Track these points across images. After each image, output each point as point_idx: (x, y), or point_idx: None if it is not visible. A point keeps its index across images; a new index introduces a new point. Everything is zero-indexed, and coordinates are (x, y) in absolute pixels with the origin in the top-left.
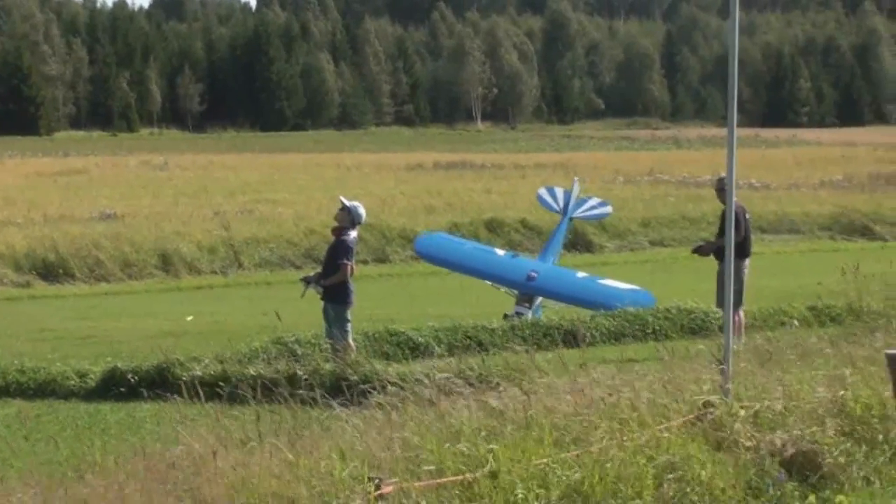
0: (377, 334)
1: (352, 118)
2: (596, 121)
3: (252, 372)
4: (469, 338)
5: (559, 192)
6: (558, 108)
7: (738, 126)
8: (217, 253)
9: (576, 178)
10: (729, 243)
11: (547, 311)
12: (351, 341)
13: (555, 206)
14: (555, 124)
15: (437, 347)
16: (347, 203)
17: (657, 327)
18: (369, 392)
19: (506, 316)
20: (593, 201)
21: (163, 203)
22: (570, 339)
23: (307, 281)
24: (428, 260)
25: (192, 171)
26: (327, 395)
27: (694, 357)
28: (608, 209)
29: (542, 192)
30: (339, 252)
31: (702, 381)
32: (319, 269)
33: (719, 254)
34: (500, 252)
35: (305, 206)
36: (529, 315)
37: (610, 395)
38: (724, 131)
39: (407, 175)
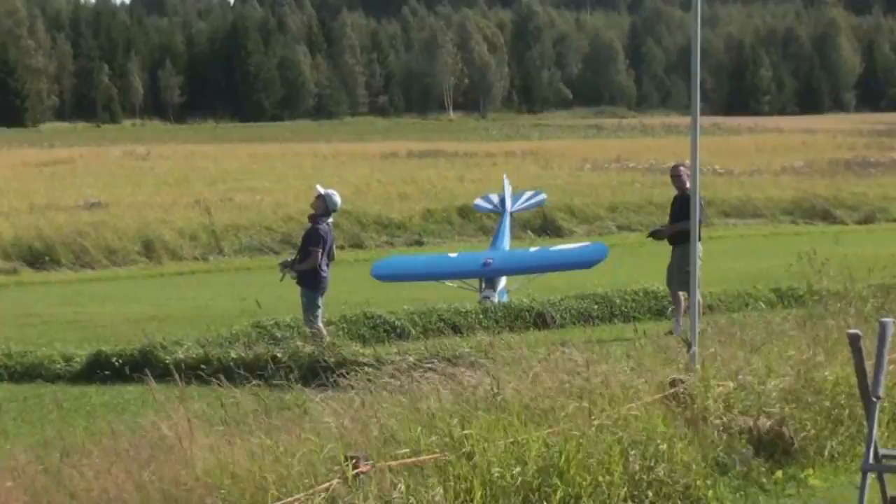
0: (354, 317)
1: (328, 109)
2: (564, 110)
3: (233, 355)
4: (443, 320)
5: (493, 196)
6: (527, 98)
7: (701, 114)
8: (198, 239)
9: (505, 175)
10: (694, 226)
11: (518, 293)
12: (321, 326)
13: (492, 207)
14: (524, 114)
15: (412, 330)
16: (322, 191)
17: (624, 309)
18: (345, 374)
19: (485, 299)
20: (527, 194)
21: (145, 192)
22: (540, 321)
23: (284, 265)
24: (388, 279)
25: (173, 161)
26: (305, 378)
27: (661, 337)
28: (543, 197)
29: (478, 201)
30: (310, 239)
31: (670, 362)
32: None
33: (674, 238)
34: (452, 254)
35: (283, 193)
36: (495, 298)
37: (579, 373)
38: (687, 119)
39: (382, 163)
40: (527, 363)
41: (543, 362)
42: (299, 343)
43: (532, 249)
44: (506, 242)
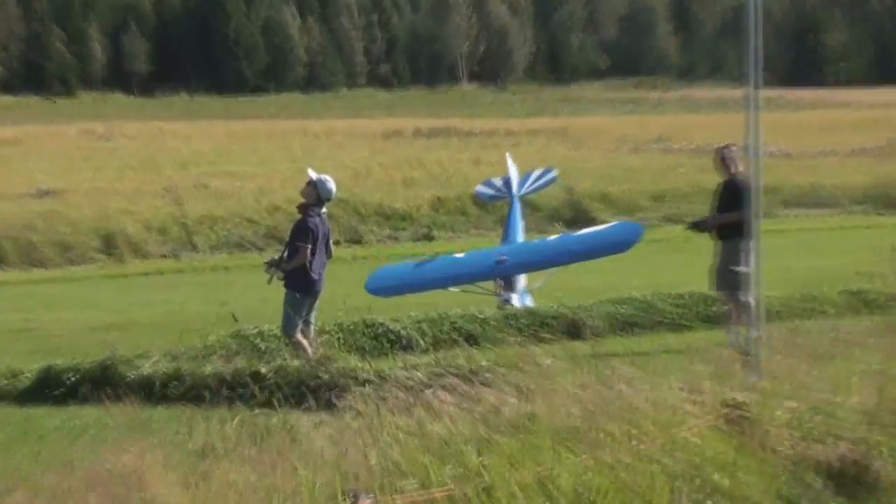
0: (352, 326)
1: (321, 80)
2: (597, 81)
3: (209, 370)
4: (457, 329)
5: (496, 179)
6: (555, 66)
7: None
8: (168, 234)
9: (508, 155)
10: (754, 217)
11: (544, 296)
12: (300, 338)
13: (497, 193)
14: (551, 85)
15: (420, 341)
16: (314, 176)
17: (670, 315)
18: (342, 393)
19: (505, 303)
20: (535, 173)
21: (106, 177)
22: (573, 329)
23: (271, 265)
24: (387, 294)
25: (138, 141)
26: (294, 398)
27: (715, 349)
28: (553, 174)
29: (479, 188)
30: (298, 233)
31: (725, 378)
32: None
33: (722, 231)
34: (459, 254)
35: (268, 179)
36: (515, 300)
37: (619, 392)
38: (741, 92)
39: (384, 144)
40: (557, 379)
41: (577, 378)
42: (287, 356)
43: (551, 238)
44: (519, 233)
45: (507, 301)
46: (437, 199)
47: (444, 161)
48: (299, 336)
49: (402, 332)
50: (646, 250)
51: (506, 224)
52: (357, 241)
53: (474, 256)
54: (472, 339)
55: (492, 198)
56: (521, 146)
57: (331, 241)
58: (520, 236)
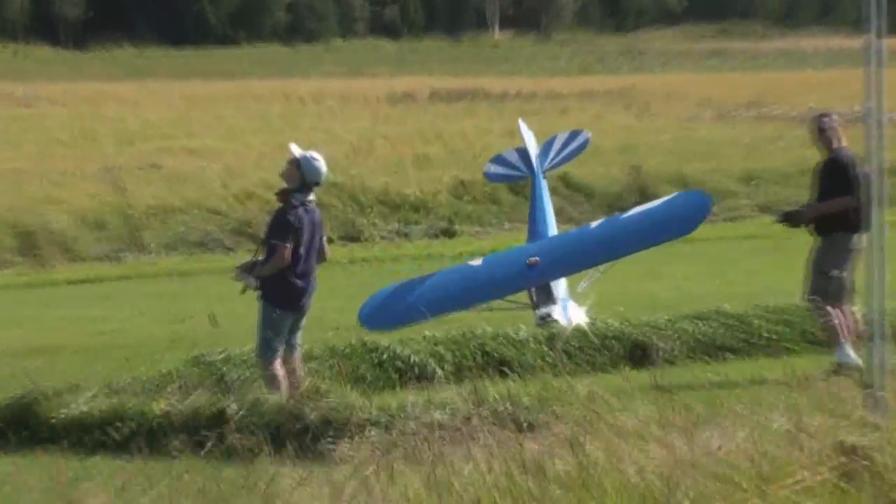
0: (349, 350)
1: (307, 27)
2: (670, 28)
3: (160, 408)
4: (486, 354)
5: (510, 154)
6: (614, 9)
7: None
8: (107, 229)
9: (521, 122)
10: (877, 204)
11: (600, 309)
12: (277, 364)
13: (514, 171)
14: (609, 33)
15: (439, 369)
16: (298, 153)
17: (768, 335)
18: (337, 439)
19: (542, 320)
20: (560, 138)
21: (25, 155)
22: (639, 353)
23: (244, 270)
24: (388, 327)
25: (69, 108)
26: (274, 444)
27: (826, 379)
28: (585, 135)
29: (489, 167)
30: (275, 228)
31: (840, 416)
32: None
33: (820, 225)
34: (474, 262)
35: (239, 157)
36: (558, 313)
37: (707, 438)
38: (859, 42)
39: (391, 111)
40: (621, 421)
41: (647, 420)
42: (263, 390)
43: (592, 225)
44: (550, 222)
45: (548, 316)
46: (461, 182)
47: (469, 133)
48: (277, 365)
49: (415, 357)
50: (736, 249)
51: (530, 212)
52: (355, 237)
53: (495, 262)
54: (505, 367)
55: (507, 178)
56: (569, 113)
57: (324, 239)
58: (551, 227)
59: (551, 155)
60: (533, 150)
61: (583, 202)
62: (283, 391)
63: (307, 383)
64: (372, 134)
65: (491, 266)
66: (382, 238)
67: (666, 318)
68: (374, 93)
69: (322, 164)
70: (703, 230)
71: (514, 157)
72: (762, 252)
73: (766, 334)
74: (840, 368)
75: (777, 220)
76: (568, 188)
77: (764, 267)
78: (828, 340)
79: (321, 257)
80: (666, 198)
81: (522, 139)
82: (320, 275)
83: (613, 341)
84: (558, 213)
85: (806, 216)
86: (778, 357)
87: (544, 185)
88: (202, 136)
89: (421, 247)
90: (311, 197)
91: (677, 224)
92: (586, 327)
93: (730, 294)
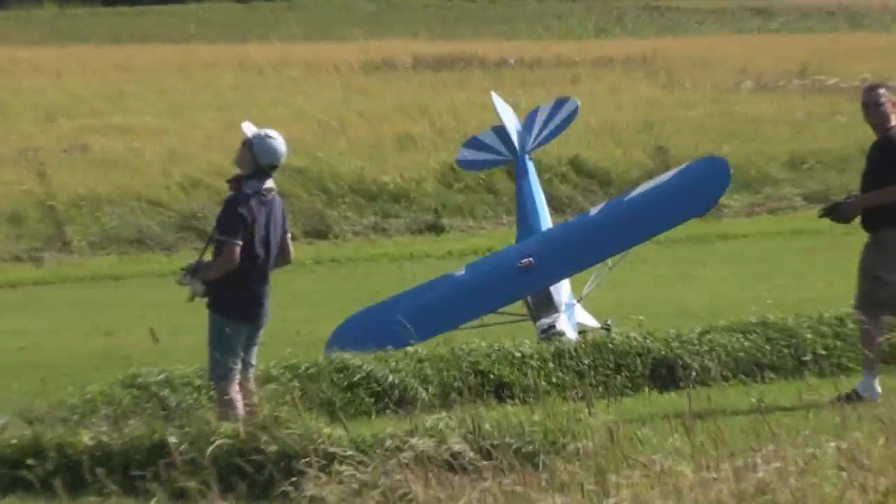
0: (314, 370)
1: None
2: None
3: (86, 440)
4: (481, 374)
5: (486, 135)
6: None
7: None
8: (24, 224)
9: (493, 95)
10: None
11: (619, 320)
12: (234, 390)
13: (492, 156)
14: None
15: (422, 391)
16: (251, 132)
17: (821, 351)
18: (298, 477)
19: (545, 332)
20: (544, 110)
21: None
22: (666, 373)
23: (188, 274)
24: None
25: None
26: (222, 482)
27: (888, 403)
28: (573, 104)
29: (463, 153)
30: (223, 221)
31: None
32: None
33: (870, 218)
34: (457, 272)
35: (183, 137)
36: (564, 324)
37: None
38: None
39: (365, 80)
40: (647, 456)
41: (680, 456)
42: (211, 418)
43: (592, 212)
44: (541, 213)
45: (551, 328)
46: (450, 168)
47: (461, 108)
48: (233, 389)
49: (394, 378)
50: (781, 247)
51: (517, 203)
52: (323, 233)
53: (481, 270)
54: (504, 391)
55: (484, 164)
56: (581, 83)
57: (287, 237)
58: (544, 219)
59: (535, 130)
60: (512, 126)
61: (597, 191)
62: (240, 420)
63: (264, 410)
64: (344, 109)
65: (476, 274)
66: (356, 234)
67: (698, 330)
68: (346, 60)
69: (279, 143)
70: (742, 225)
71: (490, 139)
72: (813, 251)
73: (818, 350)
74: (854, 397)
75: (820, 213)
76: (579, 174)
77: (815, 269)
78: (863, 358)
79: (283, 258)
80: (675, 169)
81: (498, 116)
82: (281, 279)
83: (635, 358)
84: (568, 205)
85: (854, 208)
86: (832, 377)
87: (531, 168)
88: (139, 112)
89: (402, 245)
90: (270, 185)
91: (693, 198)
92: (604, 337)
93: (774, 301)
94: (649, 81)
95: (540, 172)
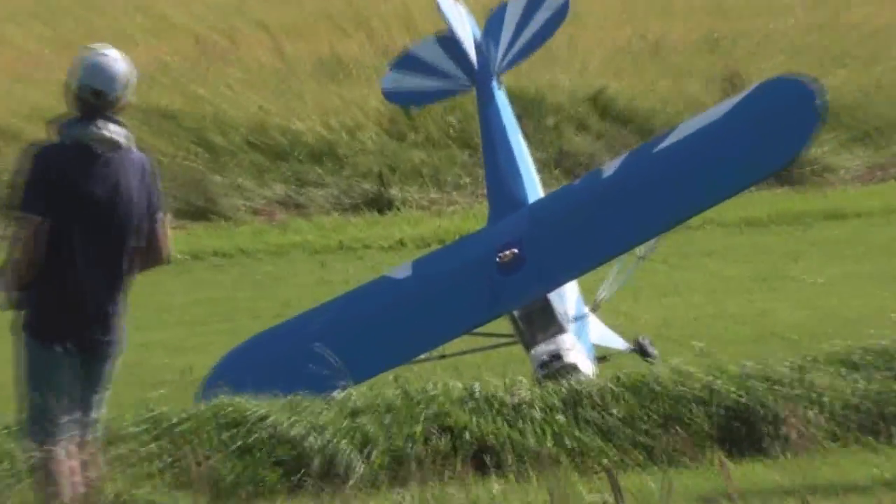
0: (191, 422)
1: None
2: None
3: None
4: (450, 432)
5: (426, 47)
6: None
7: None
8: None
9: None
10: None
11: (666, 345)
12: (57, 452)
13: (442, 81)
14: None
15: (359, 460)
16: (87, 54)
17: None
18: None
19: (545, 367)
20: (515, 6)
21: None
22: (742, 431)
23: None
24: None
25: None
26: None
27: None
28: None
29: (391, 79)
30: (15, 186)
31: None
32: None
33: None
34: (398, 271)
35: None
36: (569, 347)
37: None
38: None
39: None
40: None
41: None
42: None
43: (607, 170)
44: (524, 172)
45: (555, 361)
46: (403, 111)
47: (418, 14)
48: (58, 450)
49: (314, 438)
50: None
51: (485, 159)
52: (202, 213)
53: (435, 269)
54: (487, 458)
55: (425, 96)
56: None
57: (159, 222)
58: (529, 183)
59: (505, 38)
60: (467, 34)
61: (632, 139)
62: (64, 496)
63: (107, 488)
64: (238, 19)
65: (428, 277)
66: (254, 213)
67: (789, 362)
68: None
69: (113, 62)
70: (858, 198)
71: (434, 54)
72: None
73: None
74: None
75: None
76: (604, 118)
77: None
78: None
79: (152, 255)
80: (731, 99)
81: (444, 17)
82: (142, 285)
83: (693, 407)
84: (586, 166)
85: None
86: None
87: (503, 102)
88: None
89: (326, 228)
90: (111, 134)
91: (767, 143)
92: (646, 374)
93: None
94: None
95: (532, 112)
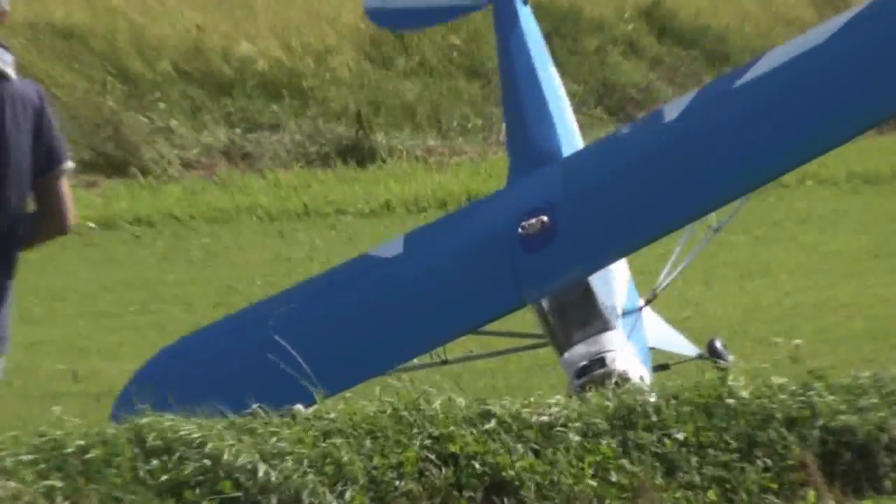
0: (101, 452)
1: None
2: None
3: None
4: (454, 461)
5: None
6: None
7: None
8: None
9: None
10: None
11: (754, 342)
12: None
13: None
14: None
15: (332, 499)
16: None
17: None
18: None
19: (583, 375)
20: None
21: None
22: (855, 464)
23: None
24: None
25: None
26: None
27: None
28: None
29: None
30: None
31: None
32: None
33: None
34: (385, 248)
35: None
36: (617, 355)
37: None
38: None
39: None
40: None
41: None
42: None
43: (670, 112)
44: (558, 117)
45: (596, 367)
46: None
47: None
48: None
49: (270, 473)
50: None
51: (505, 101)
52: (120, 165)
53: (435, 244)
54: (506, 496)
55: (419, 17)
56: None
57: (59, 177)
58: (565, 131)
59: None
60: None
61: (700, 69)
62: None
63: None
64: None
65: (425, 255)
66: (189, 166)
67: None
68: None
69: None
70: None
71: None
72: None
73: None
74: None
75: None
76: (662, 39)
77: None
78: None
79: (47, 223)
80: (842, 16)
81: None
82: (35, 262)
83: (785, 429)
84: (641, 105)
85: None
86: None
87: (527, 21)
88: None
89: (284, 186)
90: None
91: (885, 74)
92: (717, 384)
93: None
94: None
95: (566, 31)
